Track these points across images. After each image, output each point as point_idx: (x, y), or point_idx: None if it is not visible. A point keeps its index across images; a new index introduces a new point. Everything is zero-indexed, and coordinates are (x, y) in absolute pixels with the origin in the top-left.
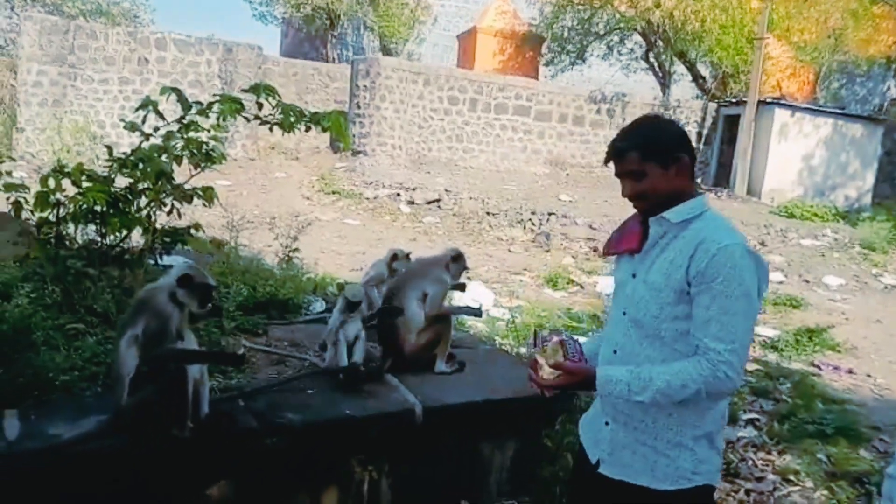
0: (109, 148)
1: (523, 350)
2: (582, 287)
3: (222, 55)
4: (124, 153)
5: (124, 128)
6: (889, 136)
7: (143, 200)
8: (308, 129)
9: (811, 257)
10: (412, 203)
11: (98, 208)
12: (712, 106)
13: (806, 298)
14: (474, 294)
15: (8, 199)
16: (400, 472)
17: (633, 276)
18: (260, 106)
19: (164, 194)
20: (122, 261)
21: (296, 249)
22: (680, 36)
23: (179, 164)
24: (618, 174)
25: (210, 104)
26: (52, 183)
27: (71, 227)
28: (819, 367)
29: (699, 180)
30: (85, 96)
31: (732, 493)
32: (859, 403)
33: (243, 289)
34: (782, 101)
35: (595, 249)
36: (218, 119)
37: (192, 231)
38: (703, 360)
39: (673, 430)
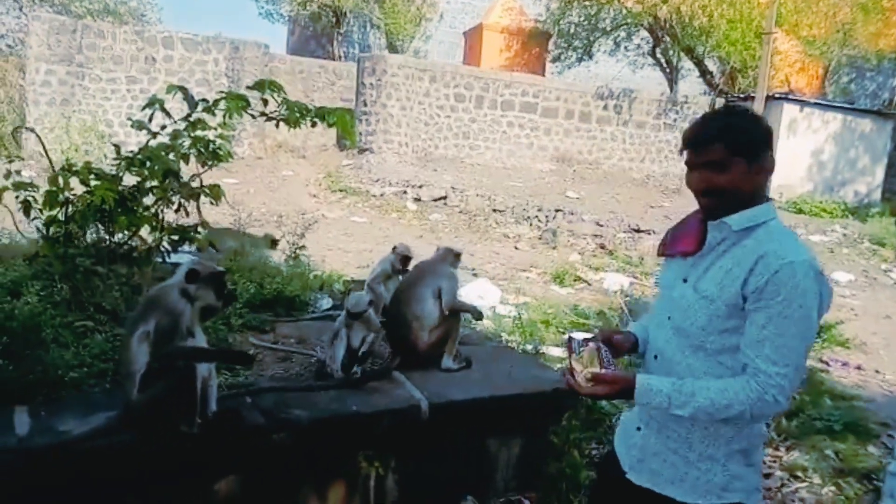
0: (117, 146)
1: (529, 347)
2: (589, 284)
3: (229, 53)
4: (132, 152)
5: (132, 126)
6: None
7: (151, 199)
8: (314, 124)
9: (820, 253)
10: (419, 200)
11: (106, 207)
12: (720, 101)
13: None
14: (481, 291)
15: (17, 197)
16: (406, 468)
17: (684, 280)
18: (265, 102)
19: (171, 192)
20: (130, 259)
21: (302, 247)
22: (687, 31)
23: (187, 162)
24: (692, 164)
25: (216, 102)
26: (60, 182)
27: (79, 226)
28: (827, 363)
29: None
30: (93, 95)
31: None
32: (868, 399)
33: (250, 286)
34: (791, 97)
35: (602, 246)
36: (224, 117)
37: (199, 229)
38: (753, 381)
39: (706, 442)
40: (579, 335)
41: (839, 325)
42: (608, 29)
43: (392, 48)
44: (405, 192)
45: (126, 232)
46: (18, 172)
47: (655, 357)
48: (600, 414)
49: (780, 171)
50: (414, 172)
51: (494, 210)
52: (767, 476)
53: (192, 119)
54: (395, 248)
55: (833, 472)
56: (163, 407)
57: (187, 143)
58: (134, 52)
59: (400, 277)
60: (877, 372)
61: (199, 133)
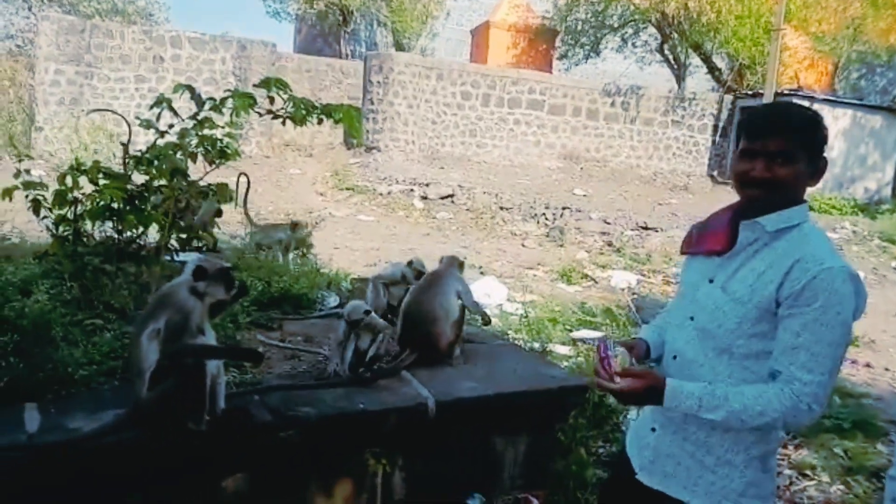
0: (125, 146)
1: (536, 345)
2: (596, 282)
3: (237, 52)
4: (139, 151)
5: (139, 125)
6: None
7: (159, 197)
8: (320, 121)
9: None
10: (426, 198)
11: (115, 205)
12: (728, 98)
13: None
14: (487, 289)
15: (27, 197)
16: (413, 466)
17: (710, 280)
18: (272, 100)
19: (179, 191)
20: (139, 257)
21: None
22: (695, 27)
23: (194, 161)
24: (753, 151)
25: (223, 100)
26: (69, 181)
27: (88, 224)
28: None
29: (715, 173)
30: (102, 95)
31: None
32: (877, 397)
33: (258, 284)
34: (800, 93)
35: (610, 244)
36: (231, 115)
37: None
38: (787, 388)
39: (726, 447)
40: (601, 335)
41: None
42: (615, 25)
43: (399, 46)
44: (412, 191)
45: (134, 230)
46: (28, 172)
47: (675, 357)
48: (607, 412)
49: None
50: (421, 170)
51: (501, 208)
52: (777, 474)
53: (199, 118)
54: (411, 262)
55: (842, 470)
56: (172, 404)
57: (195, 141)
58: (142, 52)
59: (408, 287)
60: (886, 370)
61: (206, 132)
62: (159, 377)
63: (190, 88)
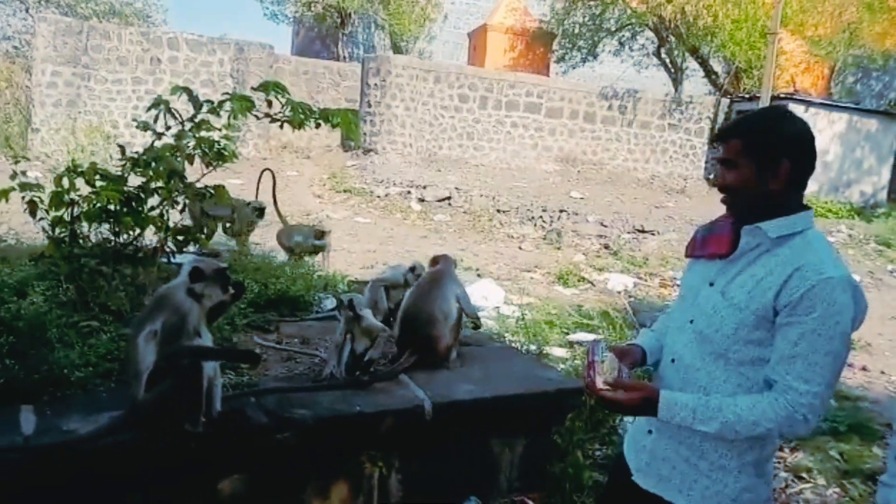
0: (122, 147)
1: (533, 347)
2: (593, 284)
3: (234, 54)
4: (137, 152)
5: (137, 127)
6: None
7: (156, 199)
8: (318, 125)
9: None
10: (423, 201)
11: (111, 207)
12: (725, 102)
13: None
14: (484, 291)
15: (23, 198)
16: (409, 468)
17: (710, 284)
18: (269, 103)
19: (176, 193)
20: (136, 259)
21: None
22: (692, 31)
23: (192, 162)
24: (718, 158)
25: (221, 102)
26: (66, 182)
27: (85, 226)
28: None
29: (711, 176)
30: (98, 97)
31: None
32: (873, 400)
33: (255, 286)
34: (796, 97)
35: (607, 247)
36: (229, 118)
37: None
38: (782, 399)
39: (720, 452)
40: (596, 338)
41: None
42: (613, 29)
43: (396, 49)
44: (409, 193)
45: (131, 232)
46: (24, 173)
47: (672, 361)
48: (603, 415)
49: None
50: (418, 173)
51: (498, 210)
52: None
53: (196, 120)
54: (413, 268)
55: (838, 473)
56: (168, 406)
57: (192, 143)
58: (139, 54)
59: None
60: (882, 373)
61: (203, 134)
62: (156, 379)
63: (187, 90)
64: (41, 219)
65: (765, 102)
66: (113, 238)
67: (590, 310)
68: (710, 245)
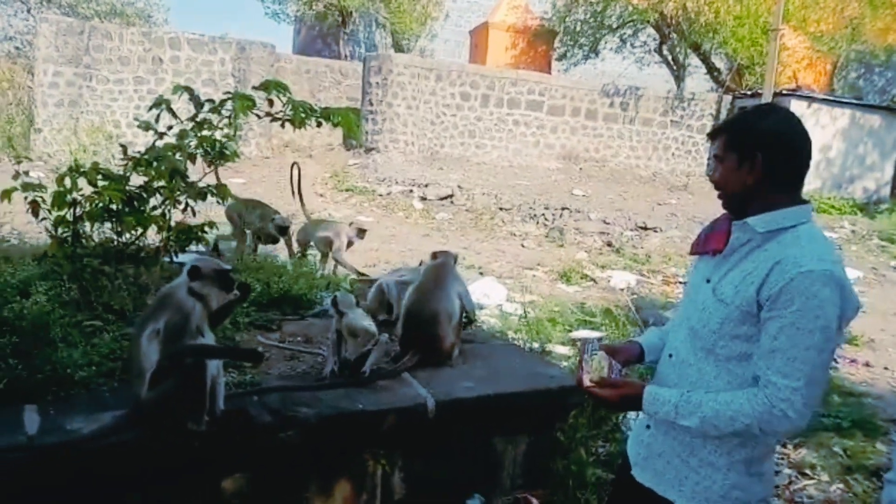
0: (124, 147)
1: (536, 345)
2: (595, 282)
3: (235, 54)
4: (139, 152)
5: (138, 127)
6: None
7: (158, 199)
8: (319, 124)
9: None
10: (425, 199)
11: (114, 207)
12: (727, 98)
13: None
14: (487, 289)
15: (26, 198)
16: (413, 466)
17: (707, 280)
18: (271, 102)
19: (178, 192)
20: (138, 258)
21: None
22: (694, 28)
23: (193, 162)
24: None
25: (222, 101)
26: (68, 182)
27: (87, 226)
28: (836, 360)
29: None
30: (101, 96)
31: None
32: (876, 396)
33: (257, 285)
34: (799, 93)
35: (609, 244)
36: (230, 117)
37: (206, 229)
38: (761, 394)
39: (708, 449)
40: (594, 336)
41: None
42: (614, 26)
43: (398, 47)
44: (411, 191)
45: (133, 232)
46: (27, 173)
47: (670, 356)
48: (606, 412)
49: None
50: (420, 171)
51: (501, 208)
52: (775, 474)
53: (198, 119)
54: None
55: (841, 469)
56: (171, 405)
57: (194, 142)
58: (141, 53)
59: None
60: (885, 369)
61: (205, 133)
62: (159, 378)
63: (188, 90)
64: (44, 219)
65: (767, 99)
66: (115, 237)
67: (592, 307)
68: (710, 242)
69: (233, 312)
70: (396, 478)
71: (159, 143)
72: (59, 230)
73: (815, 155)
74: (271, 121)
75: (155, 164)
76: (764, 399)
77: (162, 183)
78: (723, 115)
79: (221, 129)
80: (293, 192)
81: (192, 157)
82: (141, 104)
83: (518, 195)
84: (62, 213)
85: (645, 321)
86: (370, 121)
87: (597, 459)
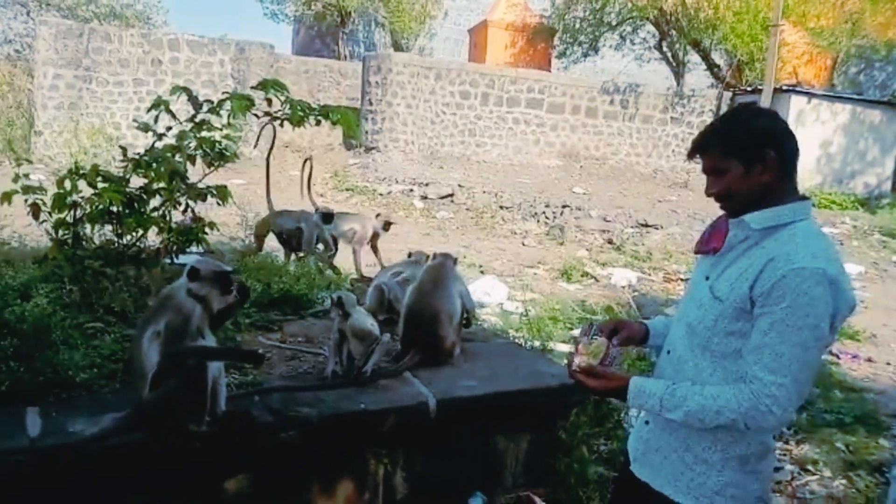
0: (124, 149)
1: (537, 343)
2: (596, 279)
3: (235, 55)
4: (138, 154)
5: (137, 128)
6: None
7: (158, 200)
8: (318, 123)
9: None
10: (425, 198)
11: (114, 209)
12: (727, 95)
13: None
14: (488, 288)
15: (26, 201)
16: (415, 465)
17: (707, 278)
18: (269, 102)
19: (178, 193)
20: (139, 260)
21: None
22: (693, 24)
23: (193, 163)
24: (702, 170)
25: (220, 102)
26: (68, 185)
27: (88, 228)
28: (837, 356)
29: None
30: (100, 98)
31: None
32: (878, 392)
33: (258, 285)
34: (799, 88)
35: (610, 242)
36: (229, 117)
37: (207, 230)
38: (747, 389)
39: (703, 445)
40: (597, 329)
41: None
42: (613, 23)
43: (397, 46)
44: (412, 191)
45: (134, 234)
46: (27, 176)
47: (668, 352)
48: (608, 409)
49: None
50: (420, 170)
51: (501, 207)
52: (777, 470)
53: (197, 120)
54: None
55: (844, 464)
56: (173, 406)
57: (193, 144)
58: (140, 55)
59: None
60: (887, 364)
61: (204, 134)
62: (161, 379)
63: (187, 91)
64: (44, 221)
65: (767, 94)
66: (116, 239)
67: (593, 305)
68: (711, 241)
69: (234, 315)
70: (398, 477)
71: (159, 145)
72: (60, 232)
73: (816, 150)
74: (270, 120)
75: (154, 165)
76: (749, 394)
77: (162, 184)
78: (723, 111)
79: (221, 129)
80: (302, 189)
81: (192, 159)
82: (141, 106)
83: (518, 193)
84: (62, 215)
85: (646, 318)
86: (370, 120)
87: (599, 457)
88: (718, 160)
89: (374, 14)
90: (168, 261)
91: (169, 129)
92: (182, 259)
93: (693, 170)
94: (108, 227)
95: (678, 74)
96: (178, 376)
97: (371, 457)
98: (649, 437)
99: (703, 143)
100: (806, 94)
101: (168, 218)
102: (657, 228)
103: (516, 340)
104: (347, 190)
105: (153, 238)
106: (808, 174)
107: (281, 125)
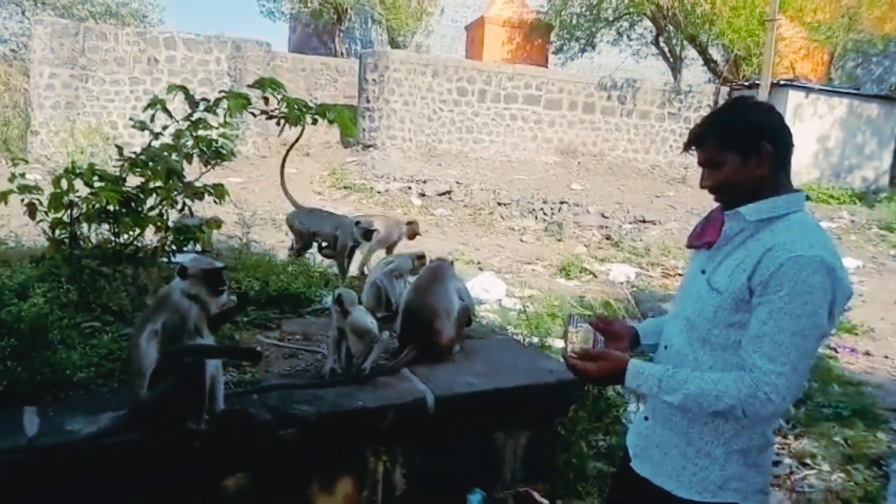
0: (120, 148)
1: (535, 339)
2: (595, 275)
3: (231, 53)
4: (134, 152)
5: (133, 127)
6: None
7: (155, 199)
8: (315, 121)
9: None
10: (423, 195)
11: (111, 208)
12: (725, 90)
13: None
14: (486, 284)
15: (23, 200)
16: (414, 462)
17: (703, 272)
18: (266, 101)
19: (175, 192)
20: (136, 259)
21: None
22: (690, 19)
23: (190, 161)
24: (698, 163)
25: (217, 101)
26: (64, 184)
27: (85, 227)
28: (835, 350)
29: None
30: (97, 98)
31: None
32: (876, 385)
33: (255, 283)
34: (796, 83)
35: (608, 238)
36: (225, 115)
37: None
38: (747, 376)
39: (706, 439)
40: (581, 318)
41: (847, 311)
42: (610, 19)
43: (394, 44)
44: (410, 188)
45: (131, 232)
46: (23, 175)
47: (665, 347)
48: (607, 405)
49: None
50: (418, 168)
51: (499, 203)
52: (776, 464)
53: (193, 118)
54: (420, 255)
55: (842, 458)
56: (171, 404)
57: (190, 142)
58: (136, 54)
59: (410, 279)
60: (885, 358)
61: (201, 132)
62: (159, 378)
63: (183, 89)
64: (41, 220)
65: (765, 89)
66: (113, 238)
67: (592, 301)
68: (705, 234)
69: (232, 318)
70: (398, 474)
71: (155, 144)
72: (57, 232)
73: (814, 145)
74: (267, 118)
75: (151, 164)
76: (749, 381)
77: (159, 183)
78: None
79: (218, 128)
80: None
81: (189, 157)
82: (137, 105)
83: (516, 190)
84: (59, 214)
85: (644, 314)
86: (367, 118)
87: (597, 452)
88: (715, 152)
89: (371, 11)
90: (165, 260)
91: (165, 127)
92: (178, 258)
93: (691, 165)
94: (105, 227)
95: (675, 70)
96: (176, 375)
97: (370, 454)
98: (649, 432)
99: (699, 135)
100: (803, 88)
101: (165, 217)
102: (655, 224)
103: (515, 337)
104: (345, 188)
105: (150, 237)
106: (805, 169)
107: (278, 124)
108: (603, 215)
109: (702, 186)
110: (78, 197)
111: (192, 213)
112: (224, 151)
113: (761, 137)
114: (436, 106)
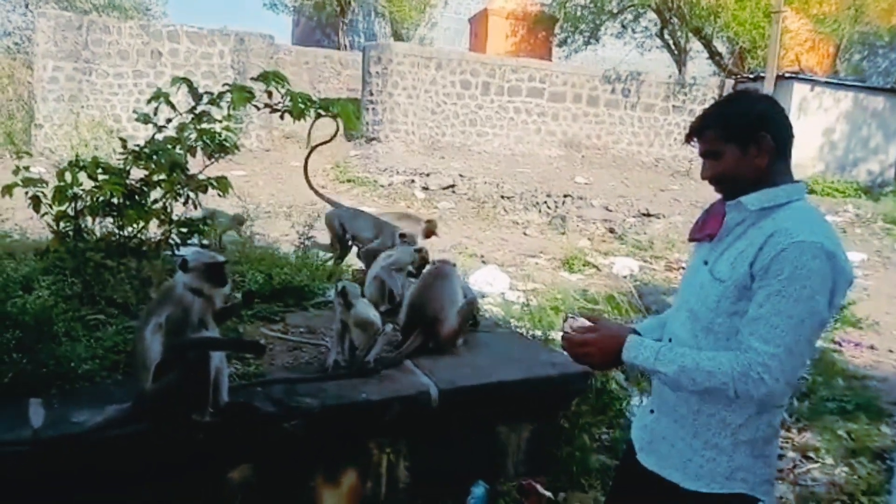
0: (124, 141)
1: (538, 333)
2: (598, 269)
3: (234, 46)
4: (138, 145)
5: (137, 120)
6: None
7: (159, 192)
8: (318, 116)
9: None
10: (427, 189)
11: (115, 201)
12: (730, 82)
13: None
14: (489, 278)
15: (27, 194)
16: (417, 454)
17: (705, 263)
18: (270, 94)
19: (178, 185)
20: (140, 252)
21: (311, 237)
22: (695, 12)
23: (193, 154)
24: (699, 154)
25: (220, 94)
26: (68, 177)
27: (89, 220)
28: (840, 344)
29: None
30: (100, 91)
31: None
32: (881, 379)
33: (259, 277)
34: (801, 76)
35: (612, 231)
36: (229, 108)
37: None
38: (742, 356)
39: (712, 430)
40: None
41: (852, 305)
42: (615, 11)
43: (397, 36)
44: (413, 181)
45: (135, 225)
46: (28, 168)
47: (670, 340)
48: (610, 398)
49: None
50: (422, 161)
51: (503, 197)
52: (780, 457)
53: (197, 112)
54: (419, 249)
55: (846, 452)
56: (175, 397)
57: (193, 135)
58: (140, 47)
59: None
60: (890, 351)
61: (205, 125)
62: (163, 370)
63: (187, 82)
64: (45, 214)
65: (770, 82)
66: (117, 231)
67: (595, 294)
68: (706, 227)
69: (237, 313)
70: (401, 466)
71: (159, 137)
72: (61, 225)
73: (819, 138)
74: (271, 112)
75: (155, 157)
76: (743, 360)
77: (162, 176)
78: None
79: (221, 121)
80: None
81: (192, 150)
82: (141, 98)
83: (520, 183)
84: (63, 207)
85: (648, 308)
86: (371, 111)
87: (600, 446)
88: (715, 143)
89: (374, 4)
90: (169, 253)
91: (169, 120)
92: (182, 251)
93: (695, 158)
94: (109, 220)
95: (680, 62)
96: (180, 367)
97: (374, 446)
98: (655, 425)
99: (700, 126)
100: (809, 81)
101: (169, 210)
102: (659, 217)
103: (518, 330)
104: (349, 181)
105: (154, 230)
106: (810, 162)
107: (281, 117)
108: (607, 209)
109: (702, 177)
110: (82, 190)
111: (196, 207)
112: (227, 144)
113: (761, 128)
114: (439, 99)
